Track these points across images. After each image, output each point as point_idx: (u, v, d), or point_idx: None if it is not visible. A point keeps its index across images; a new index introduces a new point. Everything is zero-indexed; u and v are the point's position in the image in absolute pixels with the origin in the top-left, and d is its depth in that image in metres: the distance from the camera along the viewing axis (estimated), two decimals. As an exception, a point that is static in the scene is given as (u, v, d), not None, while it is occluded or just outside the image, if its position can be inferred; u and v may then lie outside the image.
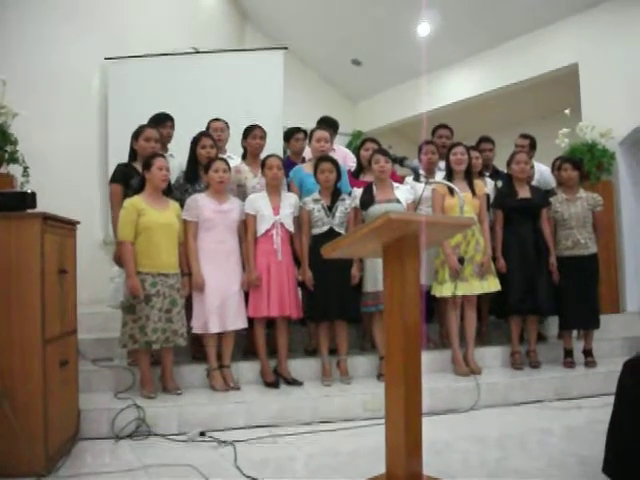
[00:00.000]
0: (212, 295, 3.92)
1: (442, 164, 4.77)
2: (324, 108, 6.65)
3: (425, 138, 5.02)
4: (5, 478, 2.67)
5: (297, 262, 4.21)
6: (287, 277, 4.07)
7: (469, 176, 4.46)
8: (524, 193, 4.60)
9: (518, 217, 4.56)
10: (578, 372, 4.49)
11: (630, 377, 2.40)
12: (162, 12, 7.13)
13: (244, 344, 4.45)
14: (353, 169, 4.92)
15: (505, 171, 4.93)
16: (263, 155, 4.32)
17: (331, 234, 4.01)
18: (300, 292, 4.22)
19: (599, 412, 3.59)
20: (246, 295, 4.06)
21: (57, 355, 2.99)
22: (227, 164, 4.07)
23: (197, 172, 4.26)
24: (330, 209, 4.17)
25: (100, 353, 4.24)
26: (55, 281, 2.97)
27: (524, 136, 5.21)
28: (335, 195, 4.22)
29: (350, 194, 4.34)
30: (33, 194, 2.93)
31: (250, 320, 4.05)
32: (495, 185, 4.90)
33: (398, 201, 4.20)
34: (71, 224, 3.27)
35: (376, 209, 4.08)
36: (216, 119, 4.73)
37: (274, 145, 4.99)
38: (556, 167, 4.98)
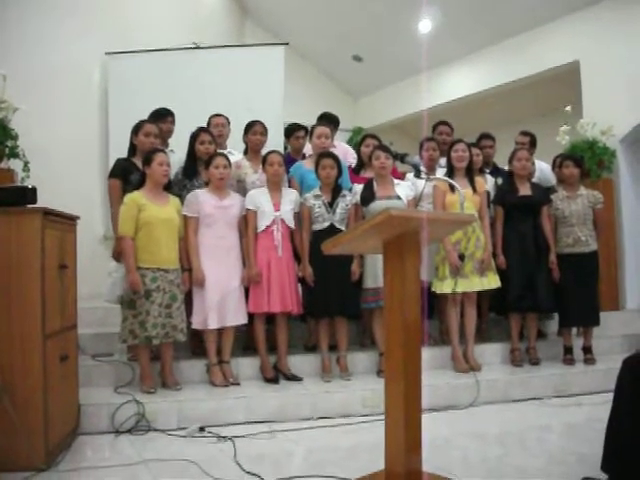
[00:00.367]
0: (212, 291, 3.92)
1: (443, 161, 4.77)
2: (325, 104, 6.62)
3: (426, 135, 5.02)
4: (5, 472, 2.68)
5: (297, 258, 4.21)
6: (287, 273, 4.07)
7: (470, 173, 4.45)
8: (525, 190, 4.60)
9: (518, 214, 4.56)
10: (578, 369, 4.49)
11: (629, 374, 2.40)
12: (162, 7, 7.12)
13: (244, 340, 4.46)
14: (354, 165, 4.92)
15: (505, 168, 4.93)
16: (264, 151, 4.32)
17: (332, 230, 4.01)
18: (300, 288, 4.22)
19: (598, 409, 3.59)
20: (246, 291, 4.06)
21: (57, 350, 2.99)
22: (227, 160, 4.06)
23: (195, 168, 4.26)
24: (331, 205, 4.17)
25: (100, 348, 4.24)
26: (55, 276, 2.97)
27: (524, 133, 5.21)
28: (336, 191, 4.21)
29: (351, 190, 4.34)
30: (33, 189, 2.92)
31: (250, 316, 4.05)
32: (495, 182, 4.90)
33: (399, 197, 4.20)
34: (71, 219, 3.27)
35: (377, 205, 4.08)
36: (217, 114, 4.73)
37: (275, 141, 4.98)
38: (557, 164, 4.98)
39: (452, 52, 8.32)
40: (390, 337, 2.34)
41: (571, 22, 6.94)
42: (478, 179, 4.50)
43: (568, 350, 4.65)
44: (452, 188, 4.28)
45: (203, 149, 4.21)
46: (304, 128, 4.99)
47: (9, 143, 4.19)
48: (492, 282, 4.39)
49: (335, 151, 4.48)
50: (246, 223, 4.10)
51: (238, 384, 3.99)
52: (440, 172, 4.65)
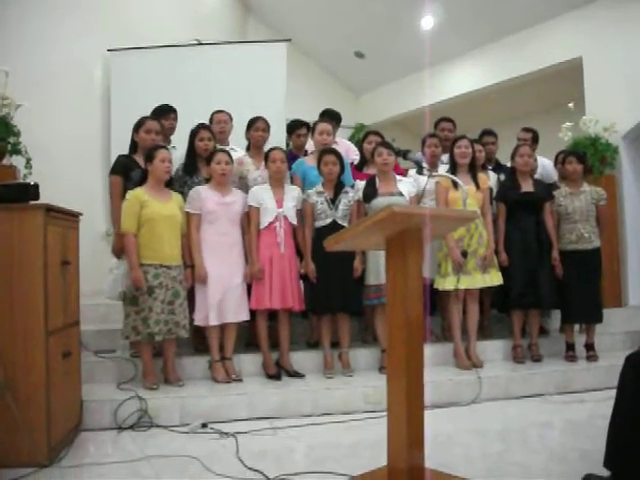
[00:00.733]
0: (214, 287, 3.92)
1: (445, 157, 4.76)
2: (327, 101, 6.62)
3: (428, 131, 5.01)
4: (8, 468, 2.68)
5: (300, 255, 4.21)
6: (290, 270, 4.07)
7: (473, 169, 4.44)
8: (527, 186, 4.59)
9: (521, 210, 4.55)
10: (580, 366, 4.49)
11: (632, 371, 2.39)
12: (165, 4, 7.12)
13: (246, 336, 4.46)
14: (356, 162, 4.92)
15: (508, 164, 4.92)
16: (267, 148, 4.32)
17: (334, 227, 4.01)
18: (302, 285, 4.23)
19: (600, 406, 3.59)
20: (248, 287, 4.06)
21: (60, 346, 3.00)
22: (229, 156, 4.06)
23: (196, 164, 4.25)
24: (333, 202, 4.16)
25: (103, 344, 4.26)
26: (58, 273, 2.98)
27: (526, 129, 5.20)
28: (338, 188, 4.21)
29: (353, 187, 4.34)
30: (36, 186, 2.92)
31: (252, 312, 4.05)
32: (498, 178, 4.89)
33: (401, 194, 4.19)
34: (74, 216, 3.27)
35: (379, 202, 4.07)
36: (219, 111, 4.72)
37: (277, 137, 4.99)
38: (560, 160, 4.97)
39: (454, 49, 8.29)
40: (392, 334, 2.33)
41: (573, 19, 6.91)
42: (481, 175, 4.49)
43: (570, 347, 4.64)
44: (455, 185, 4.26)
45: (202, 145, 4.21)
46: (306, 125, 4.98)
47: (11, 140, 4.21)
48: (494, 279, 4.38)
49: (337, 148, 4.48)
50: (248, 220, 4.10)
51: (240, 380, 3.99)
52: (442, 169, 4.63)
